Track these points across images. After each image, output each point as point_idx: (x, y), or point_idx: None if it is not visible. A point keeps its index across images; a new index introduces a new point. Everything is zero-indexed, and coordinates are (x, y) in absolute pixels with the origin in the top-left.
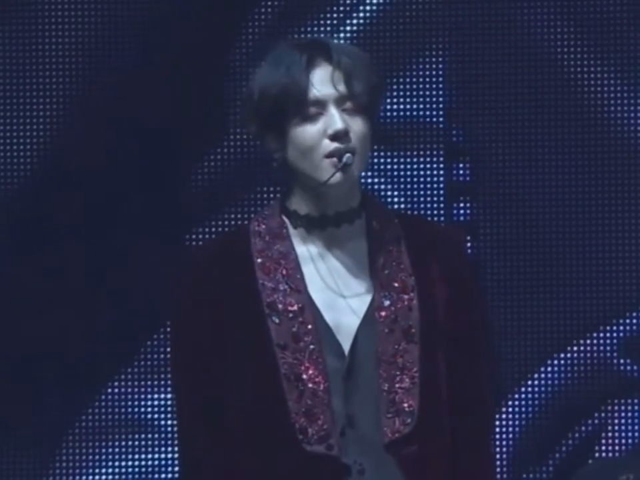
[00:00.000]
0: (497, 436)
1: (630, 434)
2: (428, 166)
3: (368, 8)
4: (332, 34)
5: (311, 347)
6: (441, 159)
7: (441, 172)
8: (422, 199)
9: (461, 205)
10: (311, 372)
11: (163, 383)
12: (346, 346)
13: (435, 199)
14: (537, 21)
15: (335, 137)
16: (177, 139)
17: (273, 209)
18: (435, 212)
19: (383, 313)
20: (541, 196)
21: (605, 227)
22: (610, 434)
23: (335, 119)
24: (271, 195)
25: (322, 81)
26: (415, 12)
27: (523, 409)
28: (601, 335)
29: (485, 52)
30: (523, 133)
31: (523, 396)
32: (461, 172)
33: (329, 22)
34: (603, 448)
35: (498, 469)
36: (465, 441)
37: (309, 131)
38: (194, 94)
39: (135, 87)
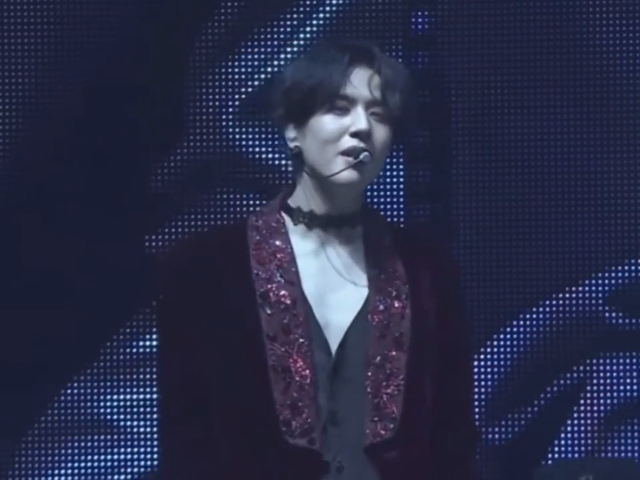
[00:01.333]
0: (476, 382)
1: (611, 392)
2: (388, 167)
3: (328, 8)
4: (293, 33)
5: (301, 340)
6: (401, 159)
7: (401, 173)
8: (382, 199)
9: (421, 205)
10: (298, 365)
11: (122, 383)
12: (334, 343)
13: (395, 199)
14: (496, 15)
15: (356, 135)
16: (136, 141)
17: (272, 206)
18: (395, 212)
19: (377, 317)
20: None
21: (594, 182)
22: (591, 391)
23: (361, 118)
24: (230, 197)
25: (358, 81)
26: (375, 12)
27: (504, 359)
28: (588, 285)
29: (446, 51)
30: (483, 134)
31: (504, 347)
32: (421, 173)
33: (289, 22)
34: (584, 404)
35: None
36: (449, 453)
37: (332, 123)
38: (152, 96)
39: (94, 88)
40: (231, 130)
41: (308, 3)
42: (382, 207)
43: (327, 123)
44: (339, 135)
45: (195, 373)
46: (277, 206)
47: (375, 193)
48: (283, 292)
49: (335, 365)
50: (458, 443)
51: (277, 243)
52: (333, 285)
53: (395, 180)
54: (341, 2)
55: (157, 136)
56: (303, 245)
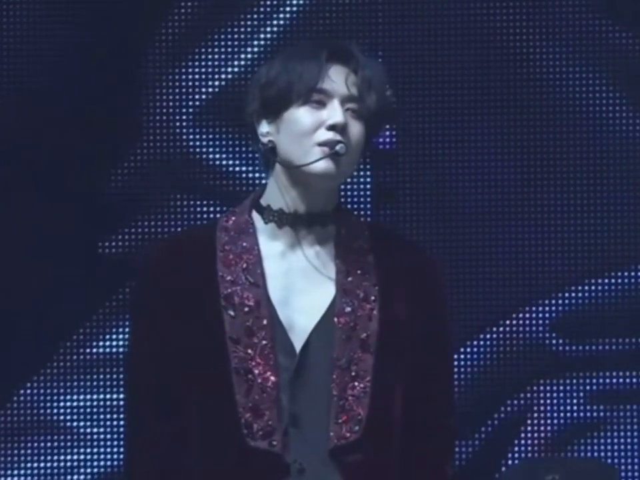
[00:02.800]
0: None
1: (556, 416)
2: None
3: (288, 9)
4: (251, 35)
5: (263, 342)
6: (367, 159)
7: (368, 173)
8: (349, 199)
9: (386, 206)
10: (261, 368)
11: (76, 385)
12: (298, 345)
13: (362, 199)
14: (462, 15)
15: (332, 128)
16: (93, 142)
17: (244, 206)
18: (362, 213)
19: (343, 319)
20: (466, 191)
21: (538, 210)
22: (536, 415)
23: (337, 111)
24: (185, 202)
25: (335, 77)
26: (335, 13)
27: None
28: (531, 313)
29: (411, 50)
30: (450, 134)
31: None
32: (387, 173)
33: (247, 24)
34: (530, 427)
35: None
36: (424, 461)
37: (308, 116)
38: (109, 95)
39: (51, 86)
40: (185, 133)
41: (268, 3)
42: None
43: (303, 115)
44: (314, 128)
45: (163, 373)
46: (248, 205)
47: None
48: (247, 294)
49: (297, 368)
50: (435, 448)
51: (244, 244)
52: (299, 287)
53: (361, 181)
54: (301, 2)
55: (112, 139)
56: (272, 246)
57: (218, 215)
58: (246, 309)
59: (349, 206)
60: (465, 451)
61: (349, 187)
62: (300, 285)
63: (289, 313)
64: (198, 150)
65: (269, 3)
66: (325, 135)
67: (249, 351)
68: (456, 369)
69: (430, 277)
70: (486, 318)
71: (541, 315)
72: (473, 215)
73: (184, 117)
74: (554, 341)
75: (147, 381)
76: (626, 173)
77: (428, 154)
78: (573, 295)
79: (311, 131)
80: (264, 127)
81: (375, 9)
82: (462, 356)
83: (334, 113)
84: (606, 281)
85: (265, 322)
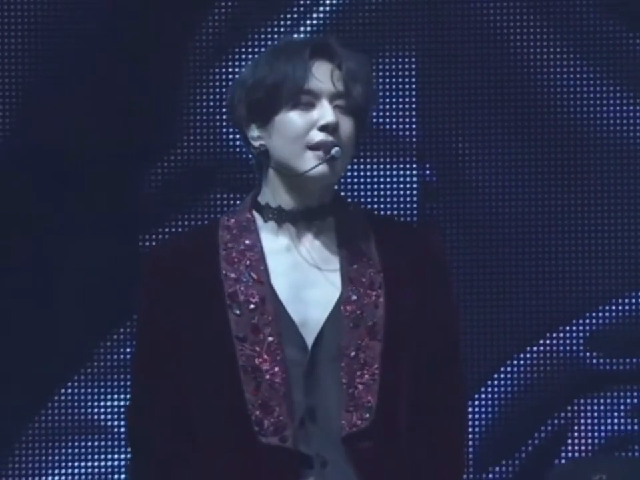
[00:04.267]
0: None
1: (597, 432)
2: (401, 166)
3: (324, 7)
4: (290, 33)
5: (270, 338)
6: (414, 158)
7: (414, 172)
8: (394, 199)
9: (433, 205)
10: (268, 364)
11: (116, 385)
12: (309, 339)
13: (408, 199)
14: (509, 20)
15: (324, 128)
16: (132, 142)
17: (244, 204)
18: (408, 212)
19: (349, 307)
20: (511, 196)
21: (573, 224)
22: (577, 432)
23: (328, 111)
24: (225, 200)
25: (321, 75)
26: (379, 9)
27: (489, 407)
28: (568, 329)
29: (453, 49)
30: (496, 134)
31: (489, 394)
32: (433, 172)
33: (285, 22)
34: (571, 446)
35: None
36: (437, 442)
37: (299, 119)
38: (149, 97)
39: (90, 89)
40: (225, 133)
41: (303, 2)
42: (394, 206)
43: (293, 118)
44: (306, 130)
45: (169, 371)
46: (248, 204)
47: (389, 193)
48: (251, 291)
49: (310, 361)
50: (448, 429)
51: (247, 241)
52: (308, 281)
53: (407, 180)
54: (335, 2)
55: (154, 137)
56: (274, 242)
57: None
58: (251, 307)
59: (395, 205)
60: (505, 471)
61: (394, 186)
62: (308, 278)
63: (300, 308)
64: (238, 149)
65: (303, 2)
66: (317, 135)
67: (256, 348)
68: (497, 387)
69: (432, 256)
70: (525, 336)
71: (580, 331)
72: (506, 230)
73: (224, 116)
74: (593, 359)
75: (153, 382)
76: None
77: (467, 153)
78: (613, 309)
79: (302, 133)
80: (254, 131)
81: (424, 6)
82: (502, 375)
83: (324, 113)
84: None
85: (270, 318)
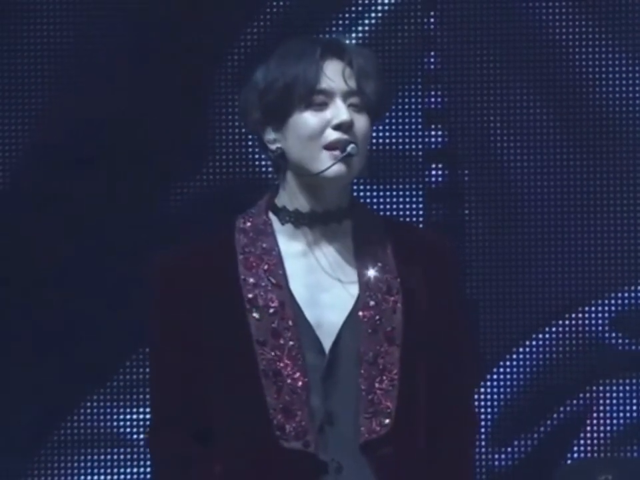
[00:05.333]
0: (480, 410)
1: (617, 413)
2: (407, 166)
3: (352, 30)
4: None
5: (290, 343)
6: (420, 160)
7: (419, 172)
8: (401, 199)
9: (440, 204)
10: (289, 368)
11: (139, 398)
12: (327, 343)
13: (414, 199)
14: (521, 20)
15: (339, 127)
16: (158, 162)
17: (260, 207)
18: (414, 213)
19: (367, 313)
20: (524, 184)
21: (599, 204)
22: (597, 413)
23: (341, 110)
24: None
25: (332, 73)
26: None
27: (508, 383)
28: (592, 309)
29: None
30: (502, 134)
31: (508, 370)
32: (440, 172)
33: (334, 27)
34: (589, 427)
35: (478, 442)
36: (447, 448)
37: (313, 119)
38: (175, 117)
39: (117, 106)
40: (251, 152)
41: (357, 7)
42: (401, 207)
43: (308, 119)
44: (321, 130)
45: (187, 377)
46: (264, 207)
47: (395, 193)
48: (270, 295)
49: (328, 365)
50: (458, 434)
51: (264, 245)
52: (324, 284)
53: (414, 180)
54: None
55: (178, 155)
56: (291, 246)
57: None
58: (271, 311)
59: (400, 206)
60: (523, 450)
61: (400, 186)
62: (324, 282)
63: (316, 312)
64: (263, 169)
65: (335, 26)
66: (332, 135)
67: (277, 352)
68: (515, 367)
69: (447, 263)
70: (543, 316)
71: (603, 312)
72: (532, 209)
73: (250, 137)
74: (615, 340)
75: (172, 389)
76: None
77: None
78: (633, 292)
79: (317, 133)
80: (270, 134)
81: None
82: (521, 356)
83: (338, 112)
84: None
85: (290, 322)
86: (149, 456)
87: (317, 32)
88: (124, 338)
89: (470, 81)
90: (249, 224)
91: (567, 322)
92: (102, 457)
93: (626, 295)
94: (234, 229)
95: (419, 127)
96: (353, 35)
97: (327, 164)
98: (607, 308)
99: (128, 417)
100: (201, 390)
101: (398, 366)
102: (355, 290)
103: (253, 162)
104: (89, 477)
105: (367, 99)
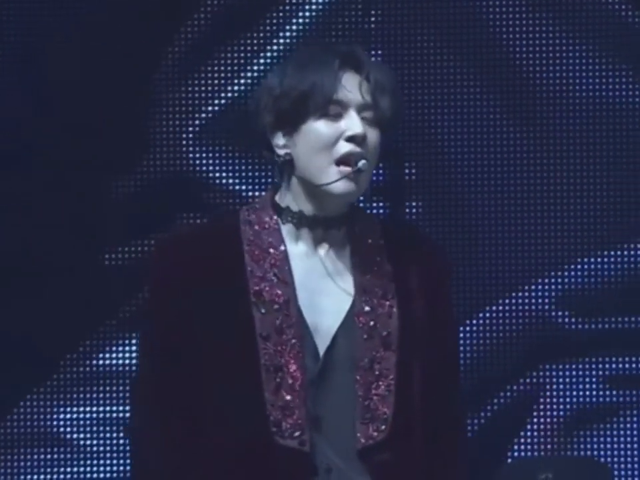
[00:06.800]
0: None
1: (570, 392)
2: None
3: (290, 28)
4: (255, 53)
5: (293, 341)
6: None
7: (380, 172)
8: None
9: (403, 204)
10: (291, 366)
11: (76, 397)
12: (322, 348)
13: (380, 197)
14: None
15: (352, 139)
16: (99, 152)
17: (264, 202)
18: (380, 211)
19: (362, 319)
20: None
21: (539, 183)
22: (553, 390)
23: (355, 122)
24: (185, 220)
25: (350, 85)
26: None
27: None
28: (538, 288)
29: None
30: (462, 132)
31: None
32: (404, 172)
33: (252, 42)
34: (544, 404)
35: None
36: (439, 455)
37: (326, 129)
38: (118, 105)
39: (62, 94)
40: (192, 151)
41: (272, 22)
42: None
43: (321, 128)
44: (334, 140)
45: (182, 367)
46: (269, 203)
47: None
48: (276, 291)
49: (321, 370)
50: (450, 441)
51: (270, 239)
52: (321, 289)
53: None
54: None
55: (120, 150)
56: (295, 246)
57: None
58: (275, 307)
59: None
60: (477, 426)
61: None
62: (320, 286)
63: (313, 316)
64: (201, 167)
65: (273, 21)
66: (345, 147)
67: (279, 348)
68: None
69: (441, 273)
70: (487, 295)
71: (549, 291)
72: (473, 193)
73: (190, 134)
74: (562, 319)
75: (164, 378)
76: (625, 152)
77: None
78: (576, 271)
79: (330, 143)
80: (279, 139)
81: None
82: (467, 334)
83: (352, 124)
84: (606, 258)
85: (293, 320)
86: (86, 455)
87: (255, 29)
88: (62, 335)
89: (411, 74)
90: (253, 216)
91: (513, 300)
92: (40, 457)
93: (572, 273)
94: (239, 218)
95: None
96: (287, 32)
97: (334, 178)
98: (553, 287)
99: (63, 415)
100: (196, 380)
101: (394, 371)
102: (350, 295)
103: (187, 160)
104: (28, 477)
105: (381, 113)
